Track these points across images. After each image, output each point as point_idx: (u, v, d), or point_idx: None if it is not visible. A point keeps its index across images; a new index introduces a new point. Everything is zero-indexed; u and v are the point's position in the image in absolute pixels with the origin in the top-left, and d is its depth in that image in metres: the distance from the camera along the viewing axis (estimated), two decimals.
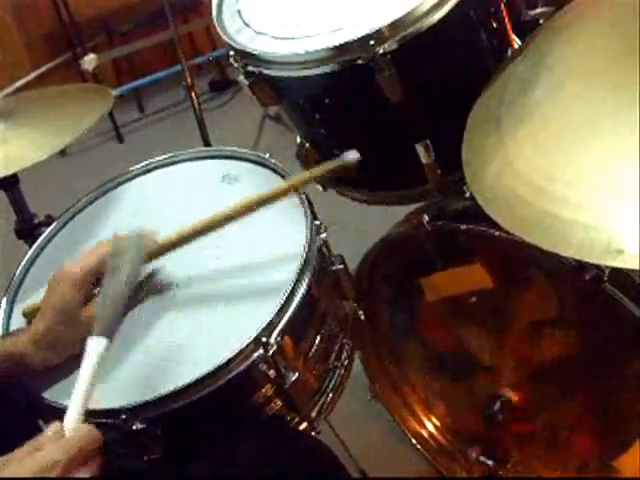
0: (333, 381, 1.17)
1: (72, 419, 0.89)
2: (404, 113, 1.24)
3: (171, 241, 1.14)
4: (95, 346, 0.94)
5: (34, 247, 1.31)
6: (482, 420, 1.51)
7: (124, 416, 0.98)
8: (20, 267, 1.27)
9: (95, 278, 1.09)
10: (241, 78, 1.28)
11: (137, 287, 1.09)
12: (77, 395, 0.91)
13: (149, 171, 1.39)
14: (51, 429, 0.88)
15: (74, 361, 1.07)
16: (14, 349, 1.06)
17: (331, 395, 1.16)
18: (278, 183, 1.24)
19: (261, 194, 1.12)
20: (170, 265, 1.17)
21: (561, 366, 1.37)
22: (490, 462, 1.56)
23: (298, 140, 1.42)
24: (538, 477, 1.52)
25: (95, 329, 0.95)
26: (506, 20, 1.28)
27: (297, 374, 1.05)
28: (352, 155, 1.10)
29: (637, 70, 0.96)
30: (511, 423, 1.50)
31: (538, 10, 1.29)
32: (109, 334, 0.95)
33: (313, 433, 1.14)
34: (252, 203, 1.12)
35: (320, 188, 1.46)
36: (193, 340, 1.07)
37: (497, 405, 1.47)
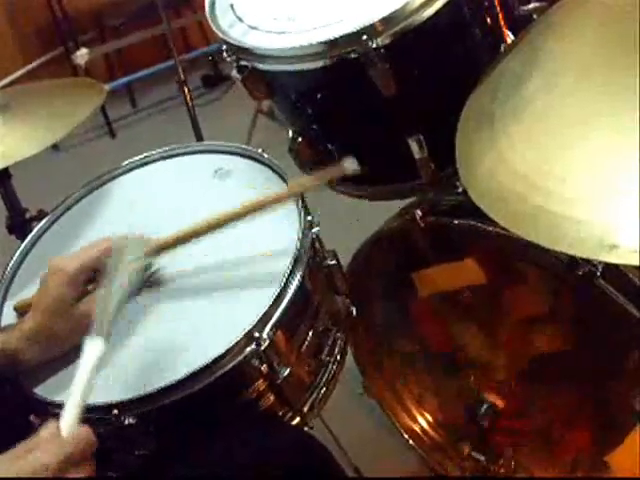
0: (326, 376, 1.16)
1: (69, 419, 0.88)
2: (397, 108, 1.24)
3: (169, 241, 1.13)
4: (93, 347, 0.92)
5: (26, 242, 1.30)
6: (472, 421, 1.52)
7: (116, 411, 0.98)
8: (12, 262, 1.26)
9: (90, 275, 1.09)
10: (234, 72, 1.28)
11: (137, 288, 1.08)
12: (74, 395, 0.90)
13: (141, 166, 1.38)
14: (47, 429, 0.87)
15: (66, 357, 1.07)
16: (6, 345, 1.05)
17: (324, 390, 1.16)
18: (270, 178, 1.24)
19: (261, 198, 1.12)
20: (162, 259, 1.16)
21: (554, 362, 1.37)
22: (482, 457, 1.57)
23: (291, 135, 1.42)
24: (532, 477, 1.52)
25: (95, 329, 0.94)
26: (499, 15, 1.28)
27: (290, 369, 1.05)
28: (352, 165, 1.11)
29: (634, 65, 0.96)
30: (502, 421, 1.50)
31: (531, 5, 1.29)
32: (108, 335, 0.94)
33: (306, 428, 1.14)
34: (251, 207, 1.11)
35: None
36: (185, 335, 1.07)
37: (482, 410, 1.48)
